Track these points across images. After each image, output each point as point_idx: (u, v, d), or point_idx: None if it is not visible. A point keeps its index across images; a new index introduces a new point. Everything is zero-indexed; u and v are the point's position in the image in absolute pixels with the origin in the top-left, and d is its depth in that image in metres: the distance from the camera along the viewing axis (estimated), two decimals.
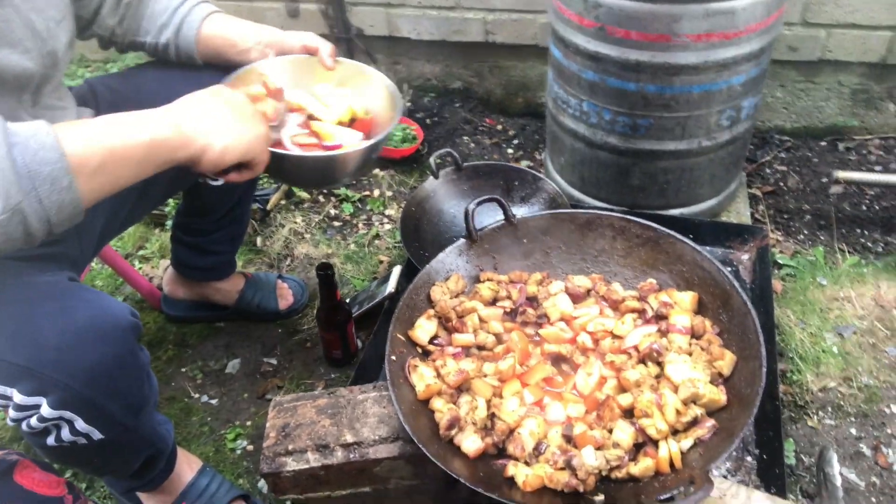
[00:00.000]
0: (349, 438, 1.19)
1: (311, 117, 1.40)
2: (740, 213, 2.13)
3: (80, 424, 1.08)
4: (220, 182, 1.13)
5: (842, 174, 2.06)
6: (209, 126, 1.04)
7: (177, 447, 1.44)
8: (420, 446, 1.03)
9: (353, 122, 1.44)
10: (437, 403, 1.14)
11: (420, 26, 2.64)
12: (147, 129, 0.95)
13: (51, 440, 1.10)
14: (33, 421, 1.05)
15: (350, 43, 2.49)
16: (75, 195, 0.79)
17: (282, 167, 1.29)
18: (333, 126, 1.39)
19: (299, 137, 1.35)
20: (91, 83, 1.47)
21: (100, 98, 1.43)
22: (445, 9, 2.57)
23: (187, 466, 1.48)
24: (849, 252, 2.05)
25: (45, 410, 1.03)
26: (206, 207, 1.72)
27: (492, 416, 1.12)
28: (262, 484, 1.57)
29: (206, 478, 1.48)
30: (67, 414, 1.05)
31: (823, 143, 2.49)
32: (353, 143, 1.36)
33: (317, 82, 1.47)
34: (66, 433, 1.08)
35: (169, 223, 2.14)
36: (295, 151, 1.31)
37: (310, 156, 1.32)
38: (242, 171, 1.13)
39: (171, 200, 2.14)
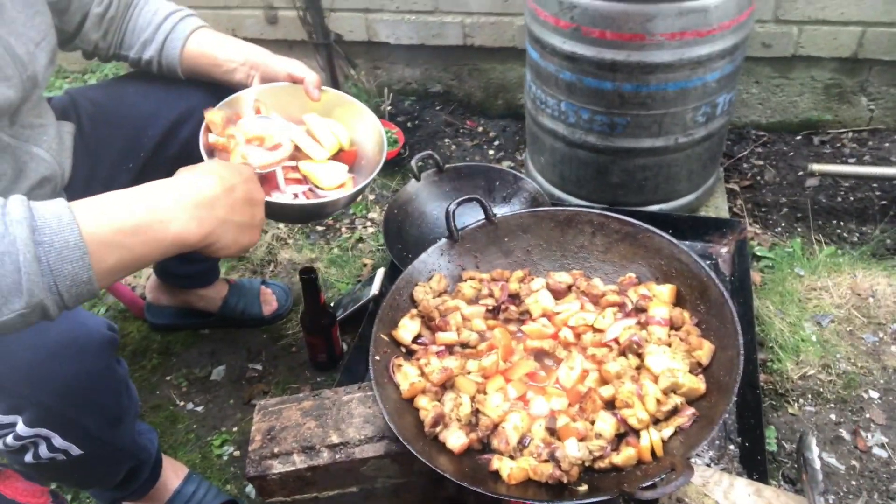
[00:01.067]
0: (335, 439, 1.20)
1: (297, 149, 1.38)
2: (718, 207, 2.16)
3: (58, 441, 1.07)
4: None
5: (817, 167, 2.09)
6: (226, 232, 0.94)
7: (162, 455, 1.44)
8: (405, 444, 1.04)
9: (338, 153, 1.42)
10: (422, 401, 1.15)
11: (399, 31, 2.66)
12: (172, 228, 0.87)
13: (28, 457, 1.09)
14: (9, 439, 1.04)
15: (329, 49, 2.49)
16: (93, 286, 0.80)
17: (269, 209, 1.22)
18: (321, 167, 1.37)
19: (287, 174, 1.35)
20: (72, 94, 1.46)
21: (81, 111, 1.43)
22: (424, 13, 2.59)
23: (173, 474, 1.47)
24: (825, 243, 2.08)
25: (21, 429, 1.03)
26: None
27: (476, 412, 1.13)
28: (251, 489, 1.57)
29: (192, 485, 1.48)
30: (44, 431, 1.05)
31: (799, 138, 2.53)
32: (338, 187, 1.36)
33: (303, 111, 1.44)
34: (43, 450, 1.07)
35: None
36: (281, 199, 1.30)
37: (296, 204, 1.31)
38: None
39: None
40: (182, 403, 1.79)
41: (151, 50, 1.42)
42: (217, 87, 1.44)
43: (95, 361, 1.07)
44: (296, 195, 1.35)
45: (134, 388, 1.25)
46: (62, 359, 1.02)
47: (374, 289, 1.88)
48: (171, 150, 1.46)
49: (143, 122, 1.44)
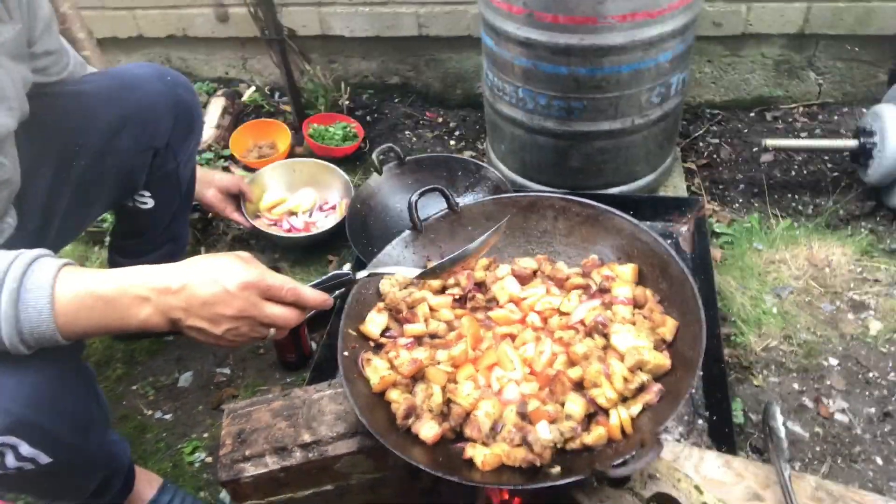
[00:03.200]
0: (307, 438, 1.19)
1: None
2: (677, 186, 2.19)
3: (25, 449, 1.04)
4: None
5: (770, 142, 2.14)
6: (203, 332, 0.97)
7: (134, 466, 1.42)
8: (378, 438, 1.04)
9: None
10: (393, 394, 1.15)
11: (353, 23, 2.63)
12: (142, 315, 0.95)
13: None
14: None
15: (283, 44, 2.45)
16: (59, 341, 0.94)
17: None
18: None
19: None
20: None
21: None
22: (377, 4, 2.56)
23: (147, 485, 1.45)
24: (781, 216, 2.13)
25: None
26: (140, 228, 1.69)
27: (448, 402, 1.13)
28: (224, 494, 1.55)
29: (167, 494, 1.46)
30: (10, 439, 1.02)
31: (752, 114, 2.58)
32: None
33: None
34: (10, 459, 1.04)
35: (108, 240, 2.08)
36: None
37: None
38: None
39: (108, 216, 2.09)
40: (150, 412, 1.76)
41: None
42: (151, 93, 1.44)
43: (61, 365, 1.05)
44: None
45: (103, 395, 1.23)
46: (27, 363, 0.99)
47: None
48: (113, 162, 1.43)
49: (74, 131, 1.39)
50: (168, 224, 1.70)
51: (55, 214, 1.40)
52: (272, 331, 1.01)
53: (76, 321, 0.93)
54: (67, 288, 0.92)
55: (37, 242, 1.35)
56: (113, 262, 1.77)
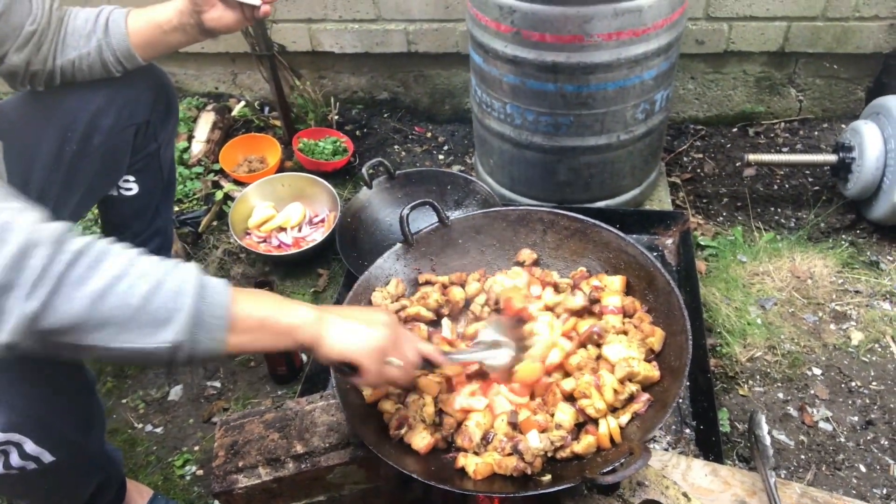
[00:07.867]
0: (300, 449, 1.20)
1: None
2: (662, 200, 2.23)
3: (30, 447, 1.06)
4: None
5: (753, 157, 2.18)
6: (342, 332, 0.98)
7: (125, 478, 1.42)
8: (371, 448, 1.05)
9: None
10: (386, 405, 1.16)
11: (343, 40, 2.66)
12: (296, 314, 0.96)
13: None
14: None
15: (273, 60, 2.48)
16: (222, 347, 0.90)
17: None
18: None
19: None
20: None
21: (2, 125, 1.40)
22: (366, 21, 2.60)
23: (138, 496, 1.45)
24: (764, 229, 2.18)
25: None
26: (126, 218, 1.71)
27: (440, 412, 1.15)
28: None
29: None
30: (16, 437, 1.03)
31: (735, 130, 2.63)
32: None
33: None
34: (14, 458, 1.05)
35: None
36: None
37: None
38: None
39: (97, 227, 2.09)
40: (140, 426, 1.75)
41: (97, 36, 1.40)
42: (134, 70, 1.45)
43: (66, 364, 1.06)
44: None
45: (100, 398, 1.24)
46: (33, 362, 1.00)
47: None
48: (99, 141, 1.47)
49: (67, 116, 1.44)
50: (152, 216, 1.73)
51: (47, 203, 1.42)
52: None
53: (242, 348, 0.94)
54: (245, 327, 0.91)
55: None
56: None
